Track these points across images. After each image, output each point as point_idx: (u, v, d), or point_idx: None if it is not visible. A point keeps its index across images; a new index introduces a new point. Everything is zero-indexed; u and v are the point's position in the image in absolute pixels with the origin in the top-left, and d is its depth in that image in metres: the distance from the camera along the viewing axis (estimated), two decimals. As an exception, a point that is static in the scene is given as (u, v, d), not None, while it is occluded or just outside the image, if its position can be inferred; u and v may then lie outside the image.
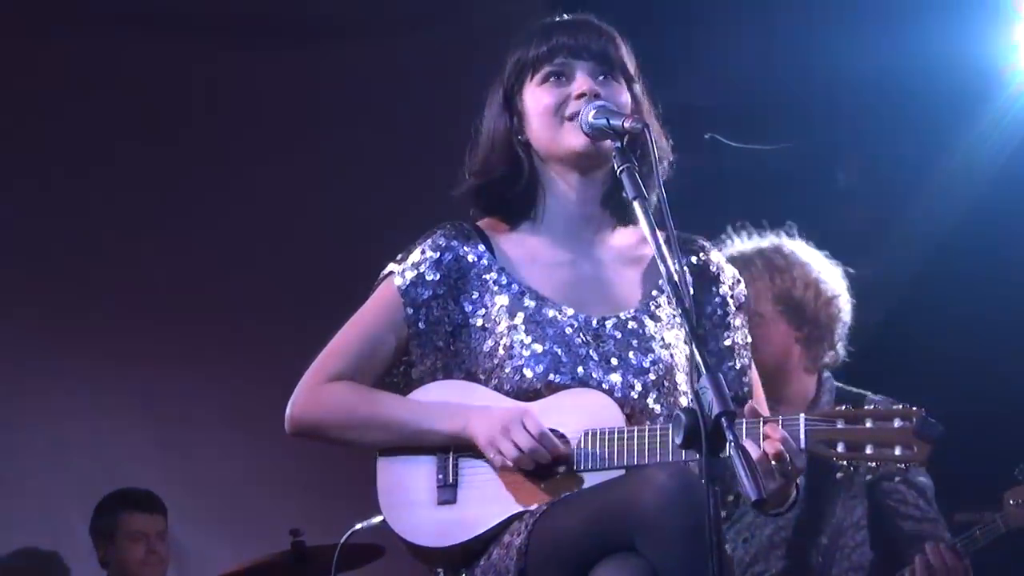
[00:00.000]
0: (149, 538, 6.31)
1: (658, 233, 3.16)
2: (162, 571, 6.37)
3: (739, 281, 3.65)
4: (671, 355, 3.47)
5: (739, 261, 4.93)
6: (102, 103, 6.82)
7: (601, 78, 3.51)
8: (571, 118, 3.46)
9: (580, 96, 3.46)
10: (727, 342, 3.57)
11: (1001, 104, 6.30)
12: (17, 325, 6.73)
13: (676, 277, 3.08)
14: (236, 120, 6.95)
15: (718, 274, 3.62)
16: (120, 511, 6.32)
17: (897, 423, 3.19)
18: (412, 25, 7.03)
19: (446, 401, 3.46)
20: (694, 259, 3.61)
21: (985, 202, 6.29)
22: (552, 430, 3.37)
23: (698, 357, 2.93)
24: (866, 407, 3.24)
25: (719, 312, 3.59)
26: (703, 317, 3.57)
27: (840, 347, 5.05)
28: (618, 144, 3.33)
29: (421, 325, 3.52)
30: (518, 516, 3.34)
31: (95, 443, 6.77)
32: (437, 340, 3.52)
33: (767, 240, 5.13)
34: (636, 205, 3.21)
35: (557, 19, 3.61)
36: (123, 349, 6.80)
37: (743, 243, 5.12)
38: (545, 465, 3.34)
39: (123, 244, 6.87)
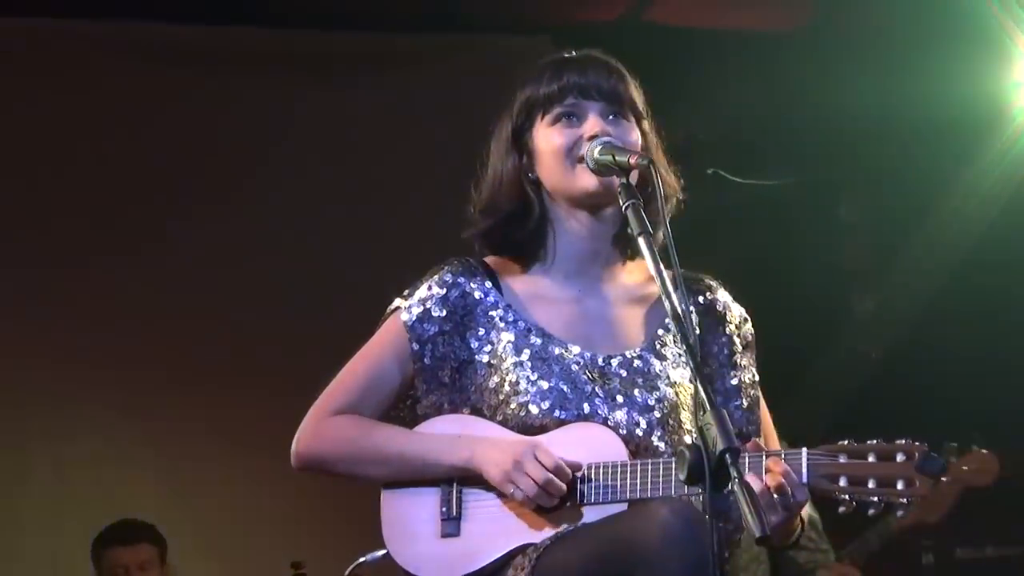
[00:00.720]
0: (129, 570, 6.28)
1: (663, 269, 3.16)
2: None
3: (746, 320, 3.64)
4: (676, 393, 3.46)
5: None
6: (96, 119, 6.85)
7: (611, 117, 3.50)
8: (582, 160, 3.45)
9: (592, 138, 3.45)
10: (734, 381, 3.56)
11: (1004, 142, 6.32)
12: (22, 355, 6.74)
13: (680, 313, 3.08)
14: (244, 151, 6.97)
15: (725, 313, 3.61)
16: (101, 549, 6.28)
17: (900, 458, 3.20)
18: (422, 59, 7.06)
19: (451, 434, 3.46)
20: (701, 298, 3.60)
21: (987, 239, 6.31)
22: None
23: (702, 393, 2.92)
24: (868, 443, 3.25)
25: (725, 351, 3.58)
26: (710, 356, 3.55)
27: None
28: (623, 180, 3.33)
29: (427, 361, 3.51)
30: (521, 550, 3.33)
31: (98, 476, 6.77)
32: (443, 376, 3.52)
33: None
34: (641, 241, 3.20)
35: (566, 55, 3.60)
36: (127, 381, 6.81)
37: None
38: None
39: (126, 272, 6.88)
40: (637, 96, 3.57)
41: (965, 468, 5.31)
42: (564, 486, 3.31)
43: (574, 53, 3.61)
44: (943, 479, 5.04)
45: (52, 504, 6.71)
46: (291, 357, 6.71)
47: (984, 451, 5.39)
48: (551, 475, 3.30)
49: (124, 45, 6.88)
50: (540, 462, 3.31)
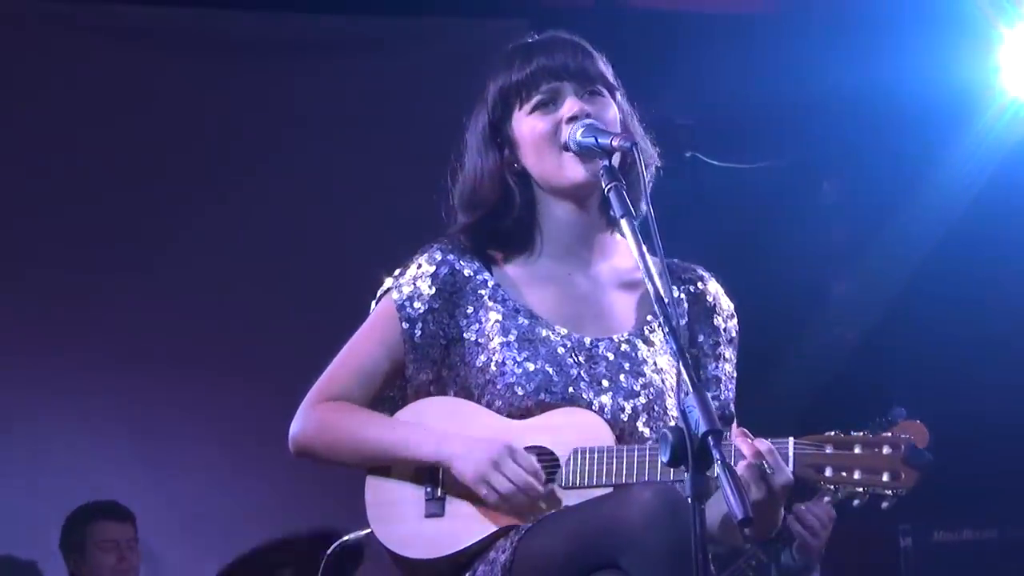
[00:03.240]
0: (119, 546, 6.30)
1: (646, 253, 3.15)
2: (132, 578, 6.36)
3: (733, 316, 3.65)
4: (663, 380, 3.47)
5: None
6: (81, 105, 6.83)
7: (587, 96, 3.50)
8: (566, 148, 3.45)
9: (571, 120, 3.44)
10: (715, 372, 3.57)
11: (983, 125, 6.33)
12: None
13: (663, 294, 3.08)
14: (227, 138, 6.95)
15: (714, 305, 3.62)
16: (89, 521, 6.31)
17: (886, 450, 3.24)
18: (397, 44, 7.04)
19: (429, 427, 3.45)
20: (692, 287, 3.61)
21: (965, 222, 6.32)
22: (541, 448, 3.38)
23: (685, 375, 2.92)
24: (854, 434, 3.26)
25: (711, 342, 3.59)
26: (695, 345, 3.57)
27: None
28: (606, 163, 3.33)
29: (417, 339, 3.51)
30: (504, 531, 3.34)
31: (75, 455, 6.74)
32: (432, 354, 3.52)
33: None
34: (624, 224, 3.20)
35: (531, 40, 3.58)
36: (105, 360, 6.79)
37: None
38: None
39: (109, 255, 6.85)
40: (606, 69, 3.56)
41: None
42: (541, 489, 3.32)
43: (538, 36, 3.60)
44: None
45: (27, 485, 6.68)
46: (276, 339, 6.71)
47: (915, 421, 5.41)
48: (530, 478, 3.31)
49: (105, 28, 6.85)
50: (519, 464, 3.32)
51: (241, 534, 6.31)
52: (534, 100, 3.50)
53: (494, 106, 3.55)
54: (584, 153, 3.41)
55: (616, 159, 3.36)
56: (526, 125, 3.50)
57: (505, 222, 3.56)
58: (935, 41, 6.13)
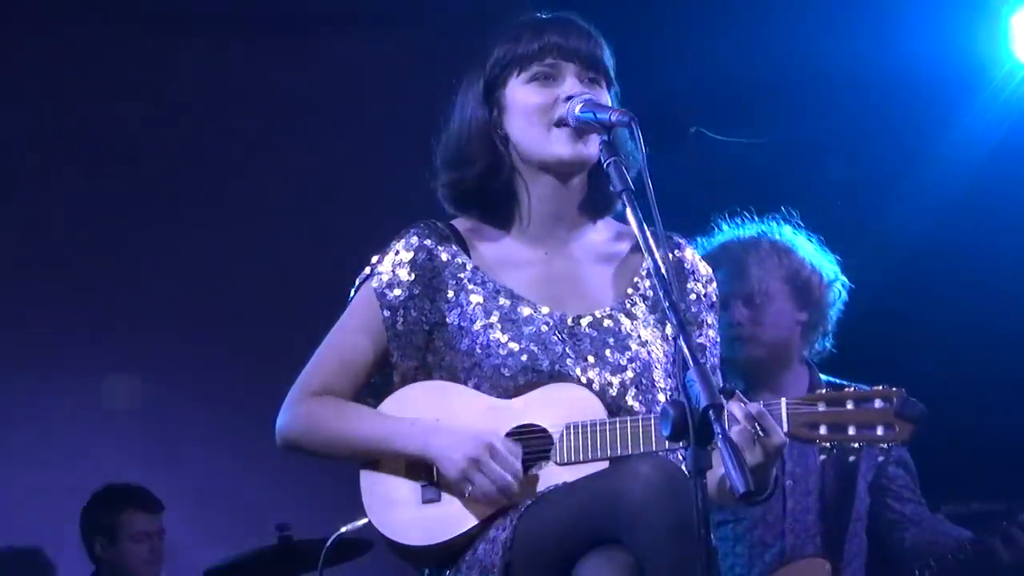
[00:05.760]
0: (151, 537, 6.31)
1: (645, 226, 3.16)
2: (159, 569, 6.37)
3: (711, 280, 3.67)
4: (648, 352, 3.48)
5: (740, 245, 4.97)
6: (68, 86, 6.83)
7: (587, 81, 3.51)
8: (559, 124, 3.46)
9: (569, 99, 3.45)
10: (700, 339, 3.58)
11: (987, 97, 6.30)
12: (6, 324, 6.72)
13: (664, 270, 3.08)
14: (222, 122, 6.94)
15: (693, 271, 3.64)
16: (124, 509, 6.30)
17: (878, 404, 3.26)
18: (393, 20, 7.02)
19: (416, 421, 3.44)
20: (670, 255, 3.59)
21: (968, 198, 6.29)
22: (533, 426, 3.38)
23: (685, 349, 2.92)
24: (846, 389, 3.28)
25: (692, 309, 3.60)
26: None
27: (829, 337, 5.06)
28: (604, 137, 3.34)
29: (399, 327, 3.51)
30: (502, 511, 3.33)
31: (82, 439, 6.76)
32: (416, 340, 3.52)
33: (763, 225, 5.14)
34: (624, 198, 3.22)
35: (547, 16, 3.60)
36: (112, 346, 6.80)
37: (739, 229, 5.13)
38: (528, 460, 3.36)
39: (112, 244, 6.87)
40: (611, 63, 3.58)
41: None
42: (518, 489, 3.32)
43: (553, 15, 3.61)
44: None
45: (38, 474, 6.69)
46: (278, 319, 6.71)
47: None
48: (509, 478, 3.31)
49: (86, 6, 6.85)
50: (497, 464, 3.32)
51: (253, 523, 6.31)
52: (533, 70, 3.51)
53: (492, 68, 3.56)
54: (580, 129, 3.42)
55: (614, 135, 3.38)
56: (520, 93, 3.52)
57: (490, 186, 3.56)
58: (939, 12, 6.10)
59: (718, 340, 3.63)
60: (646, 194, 3.19)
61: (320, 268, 6.58)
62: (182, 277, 6.88)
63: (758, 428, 3.18)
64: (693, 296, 3.61)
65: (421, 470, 3.43)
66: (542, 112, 3.48)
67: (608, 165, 3.29)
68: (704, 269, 3.66)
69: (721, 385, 3.00)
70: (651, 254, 3.11)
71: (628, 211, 3.20)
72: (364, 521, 3.52)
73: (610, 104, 3.52)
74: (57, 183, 6.83)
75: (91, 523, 6.34)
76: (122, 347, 6.81)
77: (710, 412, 2.80)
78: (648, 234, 3.14)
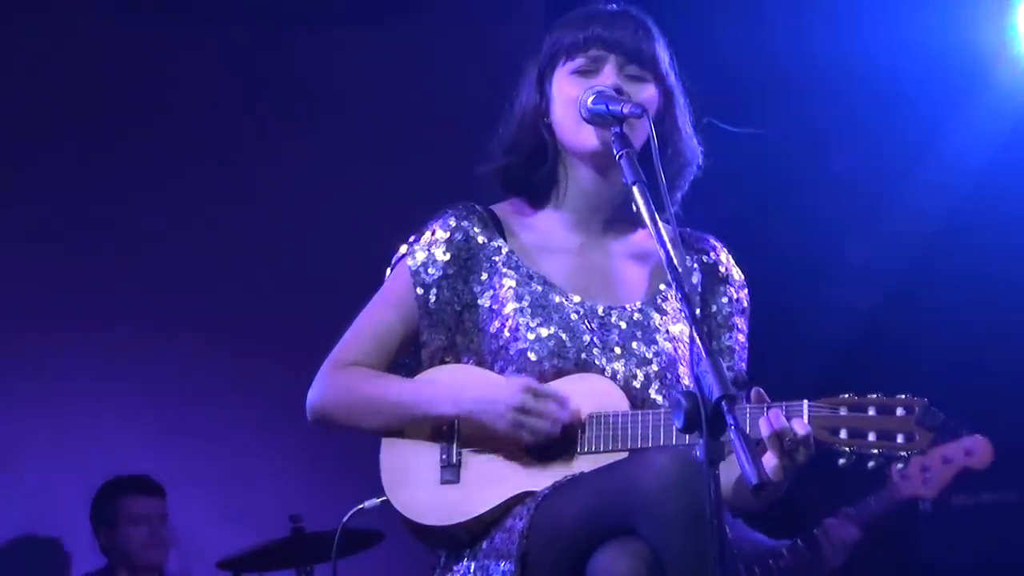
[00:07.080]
0: (151, 521, 6.32)
1: (659, 220, 3.16)
2: (164, 555, 6.39)
3: (744, 286, 3.69)
4: (675, 348, 3.50)
5: None
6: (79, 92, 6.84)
7: (627, 78, 3.52)
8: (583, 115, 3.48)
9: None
10: (728, 343, 3.61)
11: (998, 91, 6.29)
12: (17, 312, 6.73)
13: (676, 262, 3.09)
14: (229, 113, 6.94)
15: (727, 276, 3.66)
16: (120, 495, 6.33)
17: (900, 412, 3.25)
18: (405, 13, 7.02)
19: (447, 383, 3.48)
20: (704, 257, 3.64)
21: (978, 191, 6.29)
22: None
23: (698, 341, 2.92)
24: (868, 396, 3.28)
25: (724, 312, 3.63)
26: (709, 316, 3.61)
27: None
28: (617, 129, 3.35)
29: (431, 305, 3.54)
30: (520, 498, 3.35)
31: (95, 429, 6.76)
32: (446, 320, 3.55)
33: None
34: (635, 190, 3.22)
35: (600, 7, 3.62)
36: (124, 334, 6.81)
37: None
38: (550, 446, 3.37)
39: (122, 232, 6.87)
40: (662, 54, 3.57)
41: (965, 451, 5.40)
42: (567, 413, 3.34)
43: (606, 6, 3.62)
44: (945, 464, 5.18)
45: (51, 463, 6.70)
46: (290, 309, 6.72)
47: (981, 436, 5.47)
48: (555, 405, 3.33)
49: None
50: (540, 403, 3.33)
51: (266, 515, 6.32)
52: (577, 61, 3.53)
53: (544, 57, 3.59)
54: (597, 121, 3.42)
55: (641, 134, 3.39)
56: (562, 83, 3.54)
57: (536, 173, 3.59)
58: (950, 3, 6.10)
59: (747, 346, 3.65)
60: (659, 187, 3.20)
61: (331, 257, 6.62)
62: (194, 266, 6.89)
63: (801, 452, 3.20)
64: (725, 299, 3.64)
65: (442, 447, 3.45)
66: (575, 103, 3.49)
67: (620, 157, 3.30)
68: (737, 274, 3.69)
69: (735, 377, 3.01)
70: (662, 246, 3.10)
71: (640, 203, 3.19)
72: (381, 499, 3.54)
73: (659, 98, 3.53)
74: (63, 175, 6.83)
75: (96, 514, 6.38)
76: (135, 337, 6.81)
77: (723, 403, 2.80)
78: (660, 226, 3.13)
